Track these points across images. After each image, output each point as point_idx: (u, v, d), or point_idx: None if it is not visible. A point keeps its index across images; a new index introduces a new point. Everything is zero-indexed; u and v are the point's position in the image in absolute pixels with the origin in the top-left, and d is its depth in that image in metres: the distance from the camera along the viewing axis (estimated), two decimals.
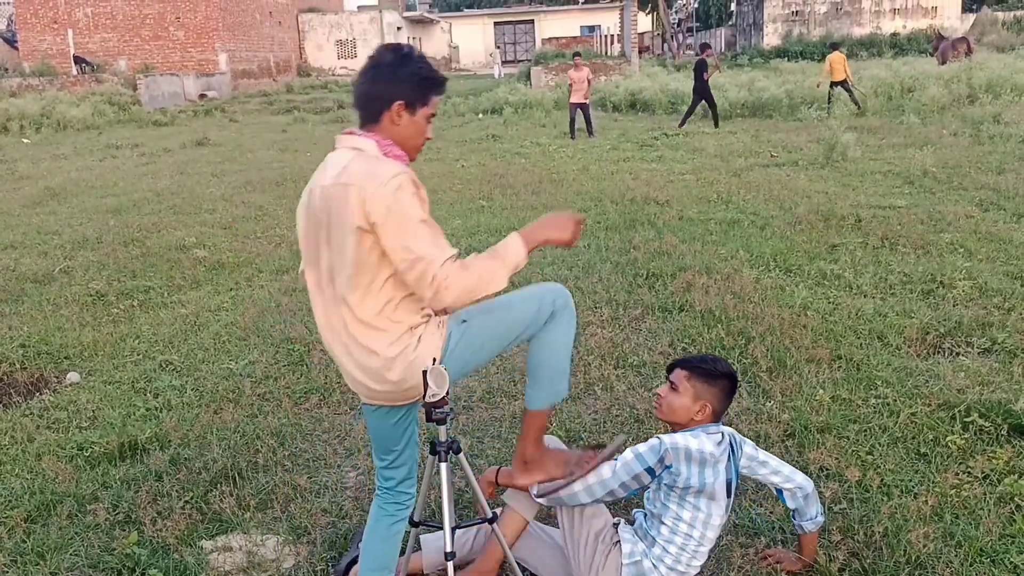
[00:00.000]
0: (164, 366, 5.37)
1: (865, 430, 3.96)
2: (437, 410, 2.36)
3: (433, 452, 2.53)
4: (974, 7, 56.70)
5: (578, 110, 17.56)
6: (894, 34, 46.28)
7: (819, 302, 5.89)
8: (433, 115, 2.51)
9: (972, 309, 5.54)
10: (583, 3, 60.05)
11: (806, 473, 3.19)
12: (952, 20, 50.95)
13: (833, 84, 19.29)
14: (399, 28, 52.57)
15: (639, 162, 13.57)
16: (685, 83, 23.72)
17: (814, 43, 46.56)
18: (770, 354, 4.90)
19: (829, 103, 19.17)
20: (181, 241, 8.86)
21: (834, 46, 20.77)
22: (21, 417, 4.64)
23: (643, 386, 4.68)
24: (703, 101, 18.84)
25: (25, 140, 22.94)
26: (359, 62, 45.52)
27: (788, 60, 38.22)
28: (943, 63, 25.99)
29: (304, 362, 5.29)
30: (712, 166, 12.61)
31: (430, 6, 70.66)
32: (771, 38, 50.49)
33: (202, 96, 35.46)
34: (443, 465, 2.51)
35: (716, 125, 18.22)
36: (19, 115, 25.51)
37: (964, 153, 12.27)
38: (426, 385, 2.31)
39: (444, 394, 2.34)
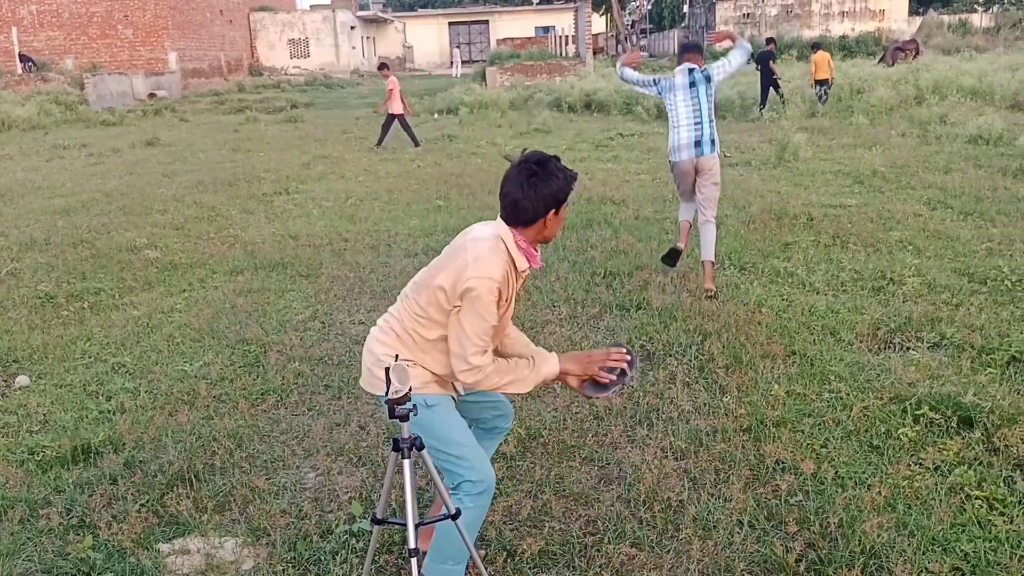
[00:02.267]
0: (116, 368, 5.28)
1: (819, 424, 4.03)
2: (399, 407, 2.35)
3: (395, 449, 2.52)
4: (920, 10, 57.95)
5: (394, 120, 16.96)
6: (843, 36, 47.09)
7: (773, 299, 5.98)
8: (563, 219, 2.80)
9: (921, 305, 5.66)
10: (537, 4, 60.20)
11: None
12: (899, 23, 52.08)
13: (817, 83, 19.81)
14: (352, 27, 52.23)
15: (595, 162, 13.64)
16: None
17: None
18: (726, 350, 4.96)
19: (821, 101, 19.58)
20: (132, 242, 8.71)
21: (816, 46, 21.30)
22: None
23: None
24: (772, 88, 20.20)
25: None
26: (312, 61, 45.31)
27: None
28: (891, 65, 26.53)
29: (260, 363, 5.24)
30: (668, 166, 12.69)
31: (384, 6, 70.30)
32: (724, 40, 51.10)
33: (151, 96, 34.87)
34: (406, 462, 2.50)
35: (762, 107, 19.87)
36: None
37: (912, 153, 12.53)
38: (388, 381, 2.30)
39: (406, 391, 2.33)
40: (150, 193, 12.20)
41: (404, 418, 2.39)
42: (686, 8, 59.13)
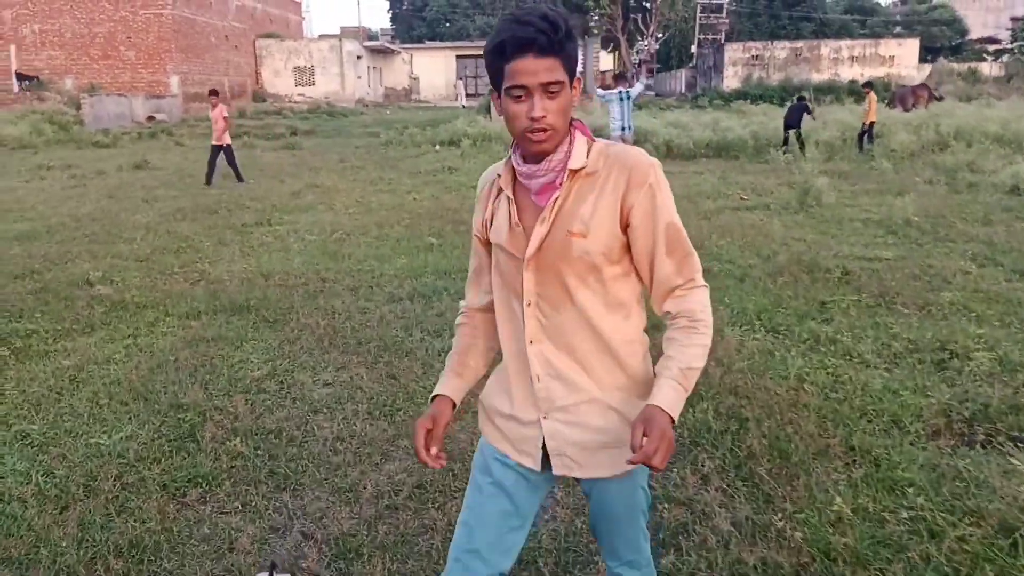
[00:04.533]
0: (19, 438, 4.31)
1: (904, 560, 3.06)
2: None
3: None
4: (929, 57, 57.54)
5: (219, 152, 15.81)
6: (852, 81, 46.55)
7: (817, 373, 5.02)
8: (516, 87, 1.81)
9: (998, 388, 4.70)
10: None
11: None
12: (909, 69, 51.52)
13: (867, 125, 18.97)
14: (359, 57, 51.73)
15: None
16: (647, 120, 23.15)
17: (773, 87, 46.72)
18: (769, 443, 4.00)
19: (871, 142, 18.69)
20: (85, 275, 7.77)
21: (869, 85, 19.90)
22: None
23: None
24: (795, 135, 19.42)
25: None
26: (317, 89, 44.84)
27: (749, 103, 37.97)
28: (906, 110, 25.76)
29: (194, 437, 4.27)
30: (679, 208, 11.57)
31: (392, 37, 70.08)
32: (731, 81, 50.59)
33: (150, 118, 34.16)
34: None
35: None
36: None
37: (943, 202, 11.63)
38: None
39: None
40: (123, 220, 11.30)
41: None
42: (694, 48, 58.75)
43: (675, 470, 3.86)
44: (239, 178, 15.71)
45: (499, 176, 1.98)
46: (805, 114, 19.63)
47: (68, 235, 10.16)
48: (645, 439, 1.69)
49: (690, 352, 1.87)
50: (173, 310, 6.71)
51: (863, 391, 4.70)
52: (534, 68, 1.75)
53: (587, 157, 1.87)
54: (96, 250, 9.15)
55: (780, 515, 3.38)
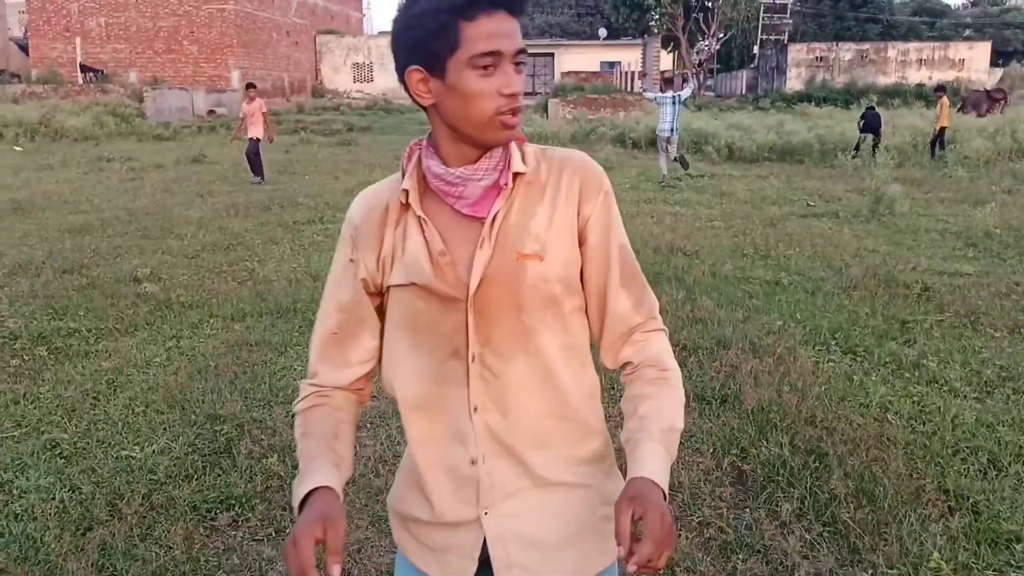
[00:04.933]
0: (47, 448, 4.10)
1: None
2: None
3: None
4: (1000, 62, 55.73)
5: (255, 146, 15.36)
6: (919, 85, 45.24)
7: (901, 402, 4.60)
8: (489, 54, 1.32)
9: None
10: (605, 39, 59.26)
11: None
12: (979, 74, 49.98)
13: (940, 131, 18.22)
14: None
15: (661, 204, 12.33)
16: (709, 122, 22.61)
17: (838, 90, 45.67)
18: (854, 485, 3.61)
19: (943, 149, 18.01)
20: (133, 272, 7.63)
21: (941, 89, 19.11)
22: None
23: (679, 520, 3.40)
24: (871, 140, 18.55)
25: (17, 148, 21.89)
26: (375, 86, 45.06)
27: (814, 105, 37.07)
28: (980, 115, 24.81)
29: (229, 452, 4.03)
30: (743, 213, 11.36)
31: None
32: (794, 82, 49.60)
33: (211, 112, 34.54)
34: None
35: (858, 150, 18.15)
36: (16, 122, 24.53)
37: None
38: None
39: None
40: (176, 214, 11.21)
41: None
42: (756, 49, 57.76)
43: (748, 510, 3.50)
44: (258, 175, 15.24)
45: (403, 193, 1.43)
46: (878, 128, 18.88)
47: (120, 229, 10.08)
48: (639, 524, 1.25)
49: (669, 411, 1.45)
50: (218, 311, 6.50)
51: (954, 424, 4.28)
52: (508, 29, 1.32)
53: (523, 160, 1.43)
54: (146, 245, 9.04)
55: (870, 571, 3.01)
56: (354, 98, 47.44)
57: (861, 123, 19.13)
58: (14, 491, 3.66)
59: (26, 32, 45.69)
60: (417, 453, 1.49)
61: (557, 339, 1.45)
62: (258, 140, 15.40)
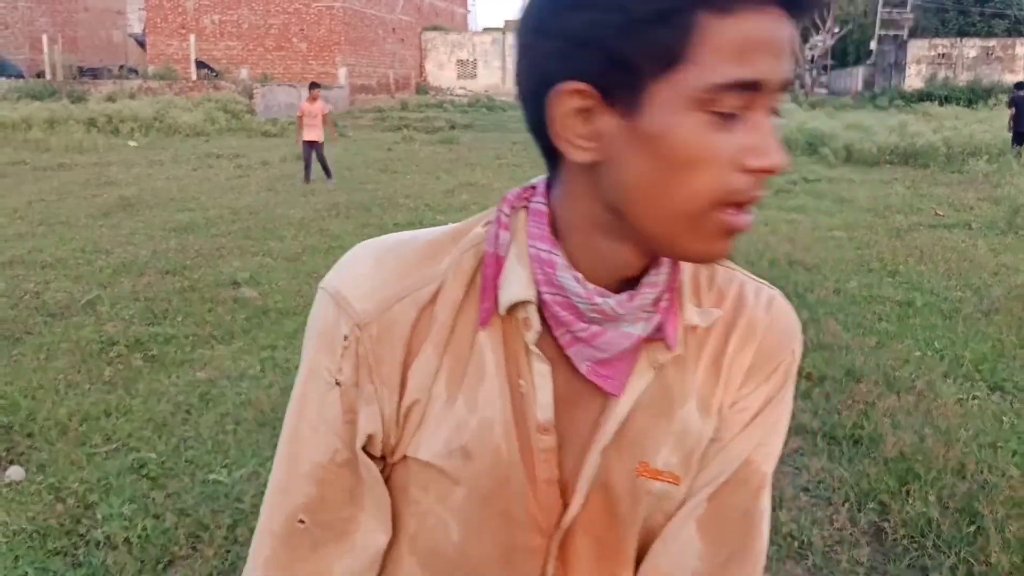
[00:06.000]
0: (134, 468, 3.94)
1: None
2: None
3: None
4: None
5: (312, 150, 14.87)
6: None
7: None
8: (744, 85, 0.67)
9: None
10: None
11: None
12: None
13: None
14: None
15: (776, 211, 11.70)
16: (826, 122, 21.64)
17: (961, 88, 43.49)
18: (1014, 553, 3.12)
19: None
20: (234, 275, 7.55)
21: (1022, 86, 17.87)
22: None
23: None
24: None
25: (132, 143, 22.57)
26: (478, 83, 45.23)
27: (937, 104, 35.28)
28: None
29: None
30: (866, 222, 10.66)
31: None
32: (913, 80, 47.47)
33: None
34: None
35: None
36: (132, 117, 25.36)
37: None
38: None
39: None
40: (279, 214, 11.21)
41: None
42: (874, 45, 55.47)
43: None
44: (307, 178, 14.84)
45: (515, 302, 0.78)
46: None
47: (224, 228, 10.11)
48: None
49: None
50: None
51: None
52: (781, 40, 0.69)
53: (697, 298, 0.85)
54: (247, 246, 9.00)
55: None
56: (457, 95, 47.63)
57: (1011, 110, 17.82)
58: (98, 516, 3.50)
59: (144, 29, 47.53)
60: None
61: None
62: (316, 143, 15.04)
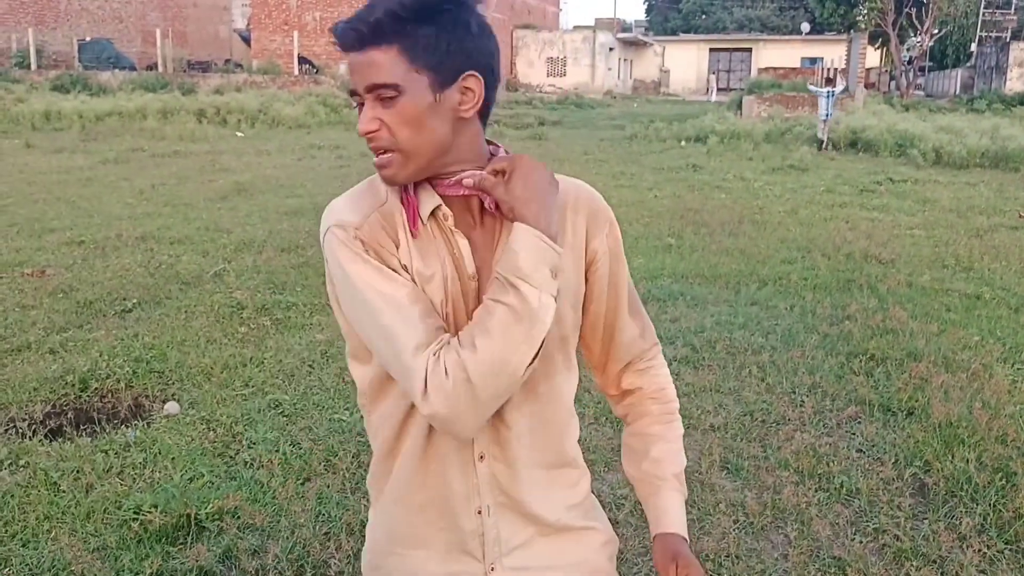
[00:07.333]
0: (272, 406, 4.63)
1: None
2: None
3: None
4: None
5: None
6: None
7: None
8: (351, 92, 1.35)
9: None
10: (807, 34, 57.13)
11: None
12: None
13: None
14: (611, 49, 51.89)
15: (858, 209, 11.93)
16: (916, 124, 21.48)
17: None
18: None
19: None
20: None
21: None
22: (97, 453, 4.01)
23: (854, 524, 3.46)
24: None
25: (239, 134, 23.81)
26: (567, 80, 45.59)
27: None
28: None
29: None
30: (947, 222, 10.83)
31: (646, 29, 69.75)
32: (1015, 83, 45.94)
33: None
34: None
35: None
36: (239, 109, 26.71)
37: None
38: None
39: None
40: None
41: None
42: (973, 47, 53.88)
43: (927, 521, 3.50)
44: None
45: (408, 195, 1.34)
46: None
47: None
48: None
49: (677, 450, 1.49)
50: None
51: None
52: (356, 64, 1.29)
53: None
54: None
55: None
56: (546, 92, 48.17)
57: None
58: (244, 442, 4.19)
59: (249, 25, 49.43)
60: (406, 507, 1.38)
61: (567, 382, 1.42)
62: None
